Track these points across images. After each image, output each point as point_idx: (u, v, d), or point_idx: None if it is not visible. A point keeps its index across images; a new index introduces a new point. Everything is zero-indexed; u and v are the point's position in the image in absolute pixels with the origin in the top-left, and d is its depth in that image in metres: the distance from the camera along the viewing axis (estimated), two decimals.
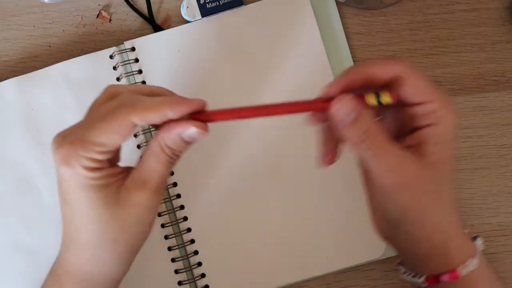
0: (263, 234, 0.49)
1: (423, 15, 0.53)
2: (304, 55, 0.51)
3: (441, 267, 0.40)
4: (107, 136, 0.35)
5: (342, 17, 0.52)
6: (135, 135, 0.49)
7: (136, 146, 0.49)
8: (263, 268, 0.49)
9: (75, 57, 0.50)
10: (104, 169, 0.35)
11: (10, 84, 0.49)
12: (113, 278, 0.39)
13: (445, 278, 0.40)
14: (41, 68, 0.50)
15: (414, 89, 0.37)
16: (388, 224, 0.41)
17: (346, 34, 0.52)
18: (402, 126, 0.39)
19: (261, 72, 0.50)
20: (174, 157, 0.37)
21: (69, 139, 0.35)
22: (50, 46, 0.52)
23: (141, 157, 0.37)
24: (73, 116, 0.49)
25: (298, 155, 0.50)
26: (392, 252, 0.50)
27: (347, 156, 0.50)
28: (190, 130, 0.36)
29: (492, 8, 0.53)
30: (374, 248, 0.49)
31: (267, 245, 0.49)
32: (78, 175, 0.35)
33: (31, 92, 0.49)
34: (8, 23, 0.52)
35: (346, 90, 0.37)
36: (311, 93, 0.50)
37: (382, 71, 0.37)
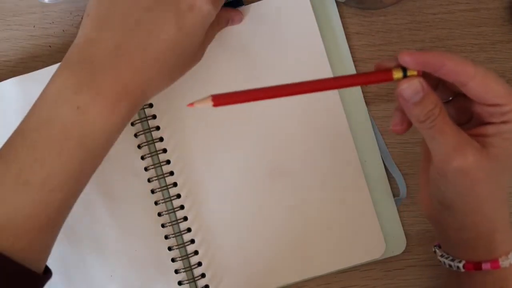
0: (263, 234, 0.49)
1: (423, 15, 0.53)
2: (304, 55, 0.51)
3: (482, 255, 0.40)
4: None
5: (342, 17, 0.52)
6: (136, 135, 0.49)
7: (136, 146, 0.50)
8: (263, 268, 0.49)
9: None
10: None
11: (10, 84, 0.49)
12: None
13: (486, 266, 0.40)
14: (41, 68, 0.50)
15: (487, 93, 0.37)
16: (438, 205, 0.41)
17: (346, 34, 0.52)
18: (472, 116, 0.40)
19: (261, 72, 0.50)
20: None
21: None
22: (50, 46, 0.52)
23: None
24: None
25: (299, 155, 0.50)
26: (392, 253, 0.50)
27: (347, 156, 0.50)
28: None
29: (492, 8, 0.53)
30: (374, 248, 0.49)
31: (267, 245, 0.49)
32: None
33: (31, 92, 0.49)
34: (8, 23, 0.52)
35: (418, 66, 0.36)
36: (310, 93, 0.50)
37: (456, 73, 0.36)
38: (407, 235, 0.50)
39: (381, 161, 0.51)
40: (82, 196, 0.49)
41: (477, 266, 0.41)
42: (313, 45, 0.50)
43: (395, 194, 0.51)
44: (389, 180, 0.51)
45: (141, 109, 0.49)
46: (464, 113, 0.40)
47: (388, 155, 0.51)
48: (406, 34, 0.53)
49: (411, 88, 0.36)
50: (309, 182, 0.50)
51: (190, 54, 0.43)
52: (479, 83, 0.36)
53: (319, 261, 0.49)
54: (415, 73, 0.36)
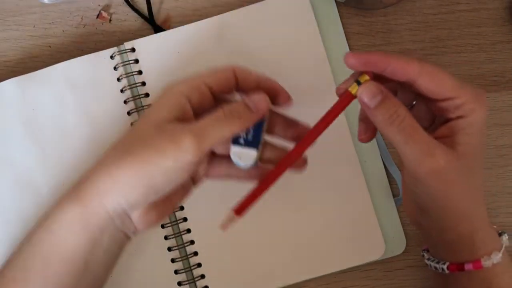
0: (263, 235, 0.49)
1: (423, 15, 0.53)
2: (304, 55, 0.51)
3: (465, 256, 0.41)
4: None
5: (342, 17, 0.52)
6: None
7: None
8: (263, 269, 0.49)
9: (75, 57, 0.50)
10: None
11: (10, 84, 0.49)
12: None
13: (468, 266, 0.40)
14: (41, 68, 0.50)
15: (437, 88, 0.37)
16: (417, 209, 0.41)
17: (346, 34, 0.52)
18: (435, 117, 0.40)
19: (261, 72, 0.50)
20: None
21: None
22: (50, 47, 0.52)
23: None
24: (73, 116, 0.49)
25: None
26: (392, 253, 0.50)
27: (347, 156, 0.50)
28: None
29: (492, 8, 0.53)
30: (374, 248, 0.49)
31: (267, 246, 0.49)
32: None
33: (31, 92, 0.49)
34: (8, 23, 0.52)
35: (364, 66, 0.37)
36: (311, 93, 0.50)
37: (402, 71, 0.37)
38: (407, 235, 0.50)
39: (381, 161, 0.51)
40: None
41: (460, 267, 0.41)
42: (313, 45, 0.51)
43: (395, 194, 0.51)
44: (389, 180, 0.51)
45: None
46: (427, 116, 0.41)
47: (388, 155, 0.51)
48: (406, 34, 0.53)
49: (367, 91, 0.37)
50: (309, 183, 0.50)
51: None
52: (426, 78, 0.37)
53: (319, 261, 0.49)
54: (367, 77, 0.37)
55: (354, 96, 0.38)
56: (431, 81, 0.37)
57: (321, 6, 0.51)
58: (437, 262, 0.42)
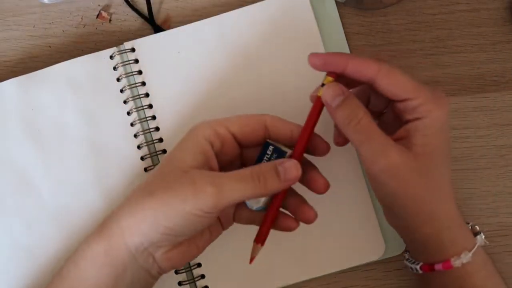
0: None
1: (423, 15, 0.53)
2: (304, 55, 0.50)
3: (435, 256, 0.41)
4: None
5: (342, 17, 0.52)
6: (135, 136, 0.49)
7: (136, 146, 0.50)
8: (263, 269, 0.49)
9: (75, 57, 0.50)
10: None
11: (10, 84, 0.49)
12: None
13: (438, 267, 0.40)
14: (41, 69, 0.50)
15: (394, 88, 0.38)
16: (385, 209, 0.43)
17: (346, 34, 0.52)
18: (399, 120, 0.41)
19: (261, 73, 0.50)
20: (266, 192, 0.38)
21: None
22: (50, 47, 0.52)
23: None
24: (73, 116, 0.49)
25: None
26: (392, 253, 0.50)
27: (347, 156, 0.50)
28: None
29: (492, 8, 0.53)
30: (374, 248, 0.49)
31: (267, 246, 0.49)
32: None
33: (31, 92, 0.49)
34: (8, 23, 0.52)
35: (324, 66, 0.39)
36: (310, 93, 0.50)
37: (360, 71, 0.38)
38: None
39: None
40: (84, 199, 0.49)
41: (431, 267, 0.41)
42: (313, 45, 0.50)
43: None
44: None
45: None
46: (397, 121, 0.41)
47: None
48: (406, 34, 0.53)
49: (329, 91, 0.38)
50: None
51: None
52: (384, 79, 0.38)
53: (319, 262, 0.49)
54: (331, 79, 0.39)
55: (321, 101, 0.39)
56: (388, 81, 0.38)
57: (321, 6, 0.51)
58: (413, 263, 0.43)
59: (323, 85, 0.39)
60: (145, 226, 0.38)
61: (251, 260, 0.41)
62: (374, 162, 0.38)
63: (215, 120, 0.40)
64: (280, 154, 0.40)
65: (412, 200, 0.39)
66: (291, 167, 0.38)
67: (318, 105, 0.40)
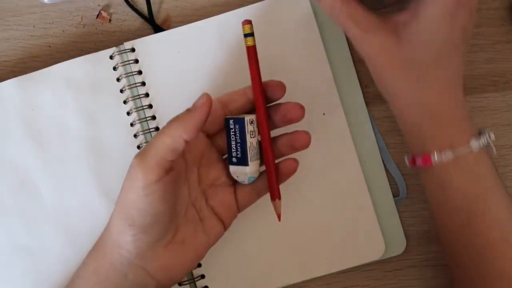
0: (263, 235, 0.49)
1: None
2: (304, 55, 0.51)
3: (417, 149, 0.41)
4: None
5: None
6: (135, 136, 0.49)
7: (136, 146, 0.50)
8: (263, 269, 0.49)
9: (75, 57, 0.50)
10: None
11: (10, 84, 0.49)
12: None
13: (418, 161, 0.40)
14: (41, 69, 0.50)
15: None
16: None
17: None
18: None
19: (261, 73, 0.50)
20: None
21: None
22: (50, 46, 0.52)
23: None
24: (73, 116, 0.49)
25: (298, 156, 0.50)
26: (392, 253, 0.50)
27: (347, 156, 0.50)
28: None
29: (492, 8, 0.53)
30: (374, 249, 0.49)
31: (267, 246, 0.49)
32: None
33: (31, 92, 0.49)
34: (8, 23, 0.52)
35: None
36: (311, 93, 0.50)
37: None
38: (407, 235, 0.50)
39: (381, 161, 0.51)
40: (84, 200, 0.49)
41: (413, 161, 0.41)
42: (313, 45, 0.50)
43: (395, 194, 0.51)
44: (389, 180, 0.51)
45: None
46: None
47: (388, 155, 0.51)
48: None
49: None
50: (308, 183, 0.50)
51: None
52: None
53: (319, 262, 0.49)
54: (248, 27, 0.40)
55: (252, 46, 0.41)
56: None
57: None
58: (407, 157, 0.43)
59: (245, 36, 0.40)
60: (117, 237, 0.38)
61: (279, 217, 0.41)
62: (357, 47, 0.39)
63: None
64: (241, 122, 0.41)
65: (392, 84, 0.39)
66: (199, 97, 0.38)
67: (251, 54, 0.41)
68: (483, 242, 0.39)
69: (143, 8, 0.52)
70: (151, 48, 0.50)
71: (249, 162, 0.41)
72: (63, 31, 0.52)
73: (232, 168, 0.42)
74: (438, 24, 0.38)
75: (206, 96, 0.38)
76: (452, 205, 0.40)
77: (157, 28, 0.52)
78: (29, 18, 0.52)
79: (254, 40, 0.40)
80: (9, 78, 0.49)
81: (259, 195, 0.43)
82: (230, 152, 0.42)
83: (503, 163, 0.52)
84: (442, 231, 0.43)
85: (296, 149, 0.42)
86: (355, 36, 0.39)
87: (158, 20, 0.52)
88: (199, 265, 0.49)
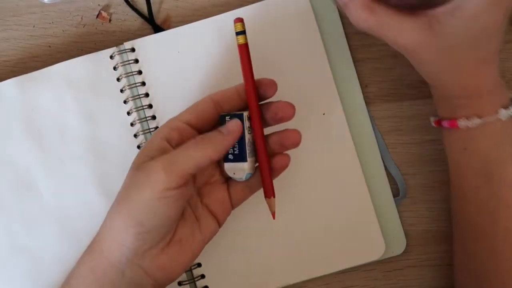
0: (263, 235, 0.49)
1: None
2: (304, 56, 0.51)
3: (446, 115, 0.43)
4: None
5: (342, 17, 0.52)
6: (135, 136, 0.49)
7: (136, 146, 0.50)
8: (263, 269, 0.49)
9: (75, 57, 0.50)
10: None
11: (10, 84, 0.49)
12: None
13: (445, 123, 0.42)
14: (41, 68, 0.50)
15: None
16: None
17: (346, 34, 0.52)
18: None
19: (261, 73, 0.50)
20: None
21: None
22: (50, 46, 0.52)
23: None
24: (73, 116, 0.49)
25: (298, 156, 0.50)
26: (392, 253, 0.50)
27: (347, 157, 0.50)
28: None
29: None
30: (374, 248, 0.49)
31: (267, 246, 0.49)
32: None
33: (31, 92, 0.49)
34: (8, 23, 0.52)
35: None
36: (310, 93, 0.50)
37: None
38: (407, 235, 0.50)
39: (381, 161, 0.51)
40: (84, 199, 0.49)
41: (439, 122, 0.43)
42: (313, 45, 0.50)
43: (395, 194, 0.51)
44: (389, 180, 0.51)
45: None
46: None
47: (388, 155, 0.51)
48: None
49: None
50: (308, 183, 0.50)
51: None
52: None
53: (319, 261, 0.49)
54: (239, 24, 0.40)
55: (244, 44, 0.41)
56: None
57: (321, 6, 0.51)
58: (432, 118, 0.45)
59: (237, 34, 0.40)
60: (118, 234, 0.38)
61: (273, 215, 0.42)
62: (392, 46, 0.40)
63: (170, 118, 0.42)
64: (240, 118, 0.41)
65: (429, 73, 0.42)
66: (231, 122, 0.40)
67: (243, 52, 0.41)
68: (497, 203, 0.41)
69: (143, 8, 0.52)
70: (151, 48, 0.50)
71: (248, 158, 0.41)
72: (63, 31, 0.52)
73: (228, 165, 0.42)
74: (483, 11, 0.38)
75: (237, 123, 0.40)
76: (471, 167, 0.42)
77: (157, 28, 0.52)
78: (29, 18, 0.52)
79: (245, 38, 0.40)
80: (9, 78, 0.49)
81: (252, 191, 0.44)
82: None
83: None
84: (456, 194, 0.44)
85: (286, 147, 0.42)
86: (388, 39, 0.40)
87: (158, 20, 0.52)
88: (199, 265, 0.49)
